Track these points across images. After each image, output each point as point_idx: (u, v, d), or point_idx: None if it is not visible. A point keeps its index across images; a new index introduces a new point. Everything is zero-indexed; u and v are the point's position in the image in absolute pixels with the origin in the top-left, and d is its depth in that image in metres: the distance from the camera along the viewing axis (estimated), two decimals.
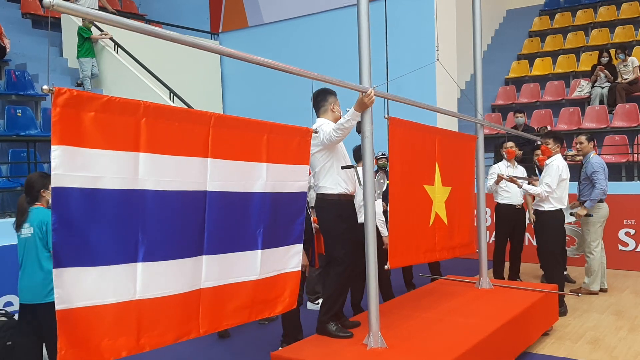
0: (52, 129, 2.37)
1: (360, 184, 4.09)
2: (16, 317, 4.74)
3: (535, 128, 9.68)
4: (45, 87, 2.34)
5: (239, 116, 3.29)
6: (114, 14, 11.88)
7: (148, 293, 2.75)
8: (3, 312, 4.66)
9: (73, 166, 2.44)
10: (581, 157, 6.96)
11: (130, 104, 2.67)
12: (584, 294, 6.61)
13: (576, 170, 6.98)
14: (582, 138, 6.80)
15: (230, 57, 3.16)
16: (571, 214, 6.79)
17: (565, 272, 7.55)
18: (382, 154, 8.15)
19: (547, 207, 5.93)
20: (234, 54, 3.10)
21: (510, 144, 6.98)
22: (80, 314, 2.49)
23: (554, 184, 5.83)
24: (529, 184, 6.56)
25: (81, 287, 2.49)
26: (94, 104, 2.50)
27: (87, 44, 9.89)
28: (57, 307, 2.40)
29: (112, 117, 2.57)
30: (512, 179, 6.26)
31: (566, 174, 5.93)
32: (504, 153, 6.99)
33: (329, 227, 4.25)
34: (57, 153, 2.38)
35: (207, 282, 3.07)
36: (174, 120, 2.85)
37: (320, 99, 4.34)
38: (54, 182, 2.39)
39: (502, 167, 6.88)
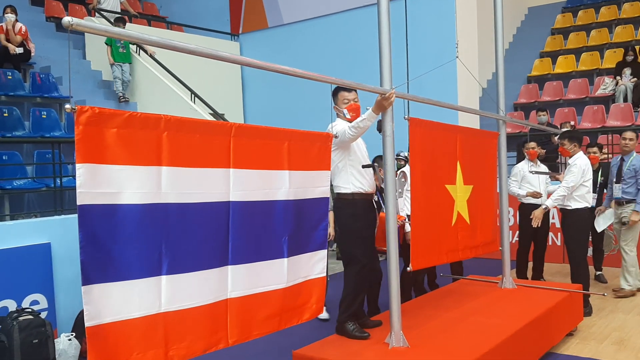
0: (76, 147, 2.40)
1: (382, 182, 4.08)
2: (42, 315, 4.82)
3: (559, 125, 9.57)
4: (67, 106, 2.37)
5: (259, 125, 3.28)
6: (136, 16, 12.08)
7: (174, 305, 2.77)
8: (29, 310, 4.73)
9: (97, 183, 2.46)
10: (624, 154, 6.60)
11: (152, 119, 2.69)
12: (628, 296, 6.48)
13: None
14: (631, 134, 6.51)
15: (248, 66, 3.16)
16: (623, 223, 6.49)
17: (599, 273, 7.45)
18: (401, 156, 8.09)
19: (574, 205, 5.86)
20: (252, 62, 3.09)
21: (532, 144, 6.87)
22: (109, 329, 2.52)
23: (574, 182, 5.75)
24: (551, 178, 6.44)
25: (109, 303, 2.52)
26: (116, 121, 2.52)
27: (112, 47, 9.95)
28: (86, 324, 2.43)
29: (134, 133, 2.59)
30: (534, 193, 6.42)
31: (590, 173, 5.85)
32: (526, 153, 6.91)
33: (344, 226, 4.25)
34: (81, 171, 2.41)
35: (234, 292, 3.08)
36: (195, 132, 2.86)
37: (334, 97, 4.34)
38: (79, 201, 2.41)
39: (524, 167, 6.81)
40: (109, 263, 2.52)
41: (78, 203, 2.41)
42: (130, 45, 10.31)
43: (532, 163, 6.83)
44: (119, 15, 10.67)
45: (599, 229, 6.82)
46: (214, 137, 2.96)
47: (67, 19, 2.25)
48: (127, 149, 2.57)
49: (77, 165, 2.40)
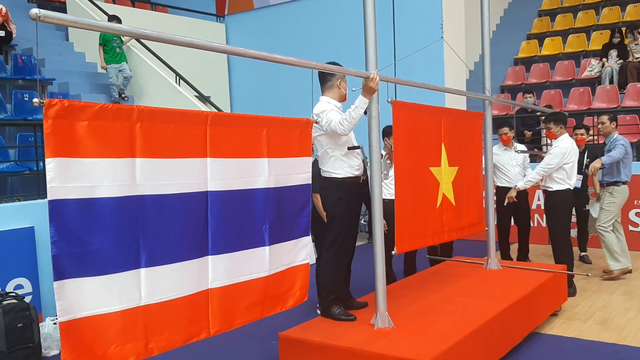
0: (46, 141, 2.33)
1: (367, 165, 4.05)
2: (27, 299, 4.79)
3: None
4: (35, 100, 2.31)
5: (236, 113, 3.26)
6: None
7: (154, 298, 2.75)
8: (14, 294, 4.70)
9: (68, 177, 2.41)
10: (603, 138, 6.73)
11: (124, 110, 2.64)
12: (619, 277, 6.51)
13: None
14: (604, 118, 6.60)
15: (234, 55, 3.12)
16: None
17: (584, 254, 7.51)
18: None
19: (555, 187, 5.88)
20: (234, 50, 3.07)
21: (504, 129, 6.74)
22: (85, 324, 2.49)
23: (553, 163, 5.77)
24: (533, 157, 6.44)
25: (84, 297, 2.48)
26: (86, 113, 2.47)
27: (107, 48, 9.32)
28: (59, 319, 2.40)
29: (106, 125, 2.54)
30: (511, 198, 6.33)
31: (573, 155, 5.84)
32: (499, 139, 6.83)
33: (329, 208, 4.23)
34: (52, 166, 2.36)
35: (215, 282, 3.07)
36: (169, 122, 2.81)
37: (327, 73, 4.22)
38: (50, 196, 2.36)
39: (497, 151, 6.71)
40: (83, 258, 2.48)
41: (49, 198, 2.36)
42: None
43: (505, 147, 6.77)
44: (114, 15, 10.15)
45: (594, 214, 6.82)
46: (189, 127, 2.91)
47: (34, 11, 2.17)
48: (99, 142, 2.52)
49: (47, 160, 2.35)
